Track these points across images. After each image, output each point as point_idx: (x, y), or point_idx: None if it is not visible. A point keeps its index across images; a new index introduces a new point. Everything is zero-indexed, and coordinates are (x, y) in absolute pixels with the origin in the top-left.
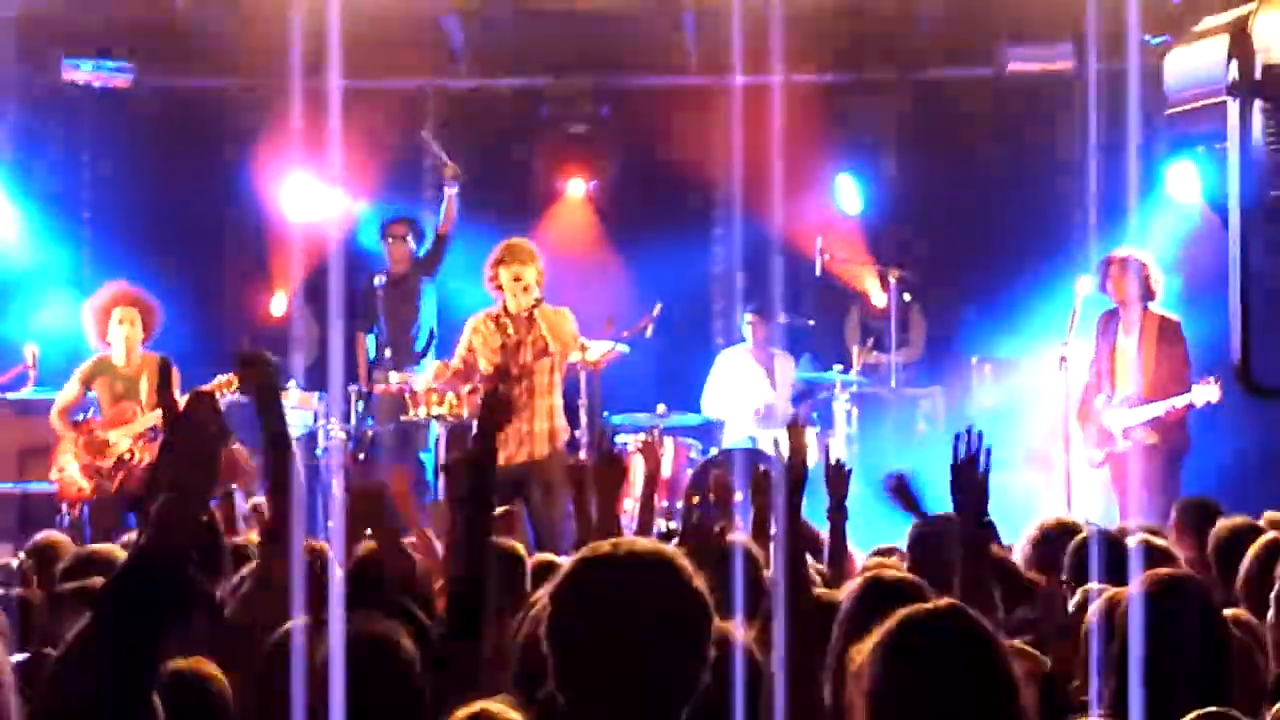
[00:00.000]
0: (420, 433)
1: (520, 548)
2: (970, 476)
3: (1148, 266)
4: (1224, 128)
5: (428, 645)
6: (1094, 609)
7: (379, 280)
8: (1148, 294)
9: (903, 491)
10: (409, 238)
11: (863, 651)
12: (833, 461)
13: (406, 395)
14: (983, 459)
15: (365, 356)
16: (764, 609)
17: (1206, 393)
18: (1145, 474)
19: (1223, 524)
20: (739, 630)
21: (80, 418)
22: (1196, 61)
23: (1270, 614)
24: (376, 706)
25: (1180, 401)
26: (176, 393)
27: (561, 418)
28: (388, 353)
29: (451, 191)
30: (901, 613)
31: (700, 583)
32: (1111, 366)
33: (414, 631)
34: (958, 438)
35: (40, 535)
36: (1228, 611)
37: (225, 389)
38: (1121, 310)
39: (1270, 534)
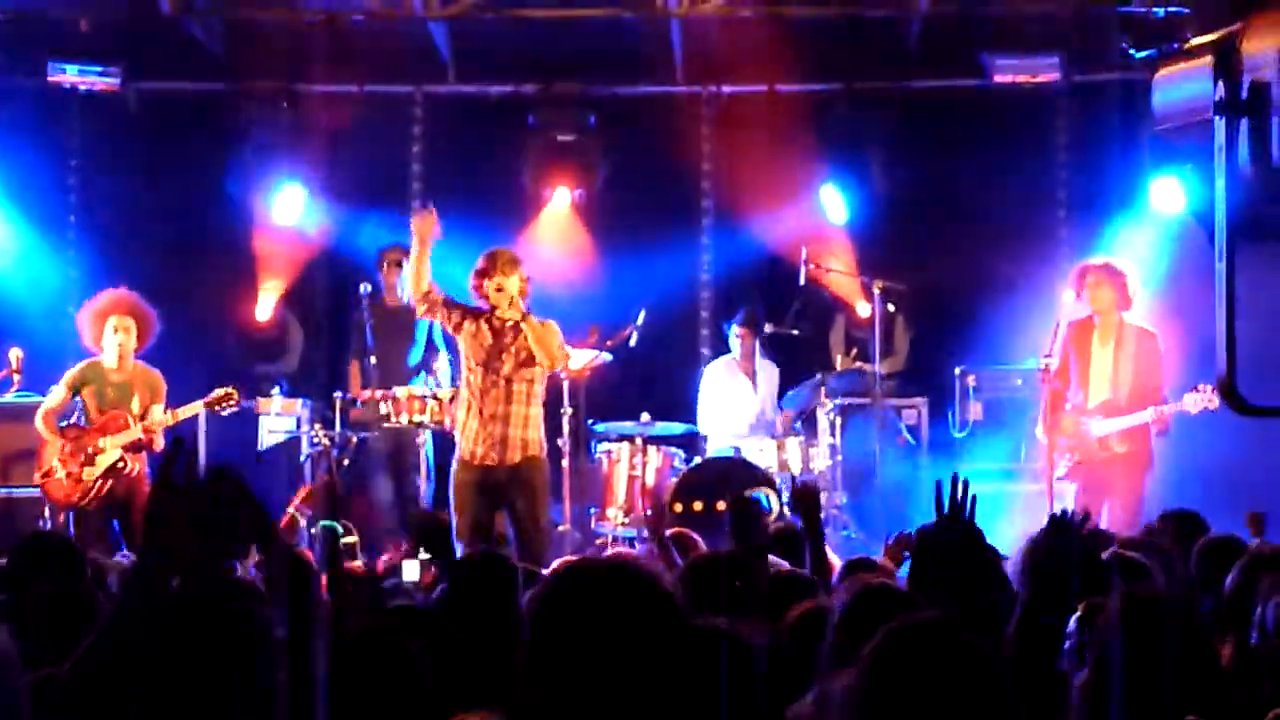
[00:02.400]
0: (404, 439)
1: (510, 557)
2: (957, 529)
3: (1125, 276)
4: (1210, 145)
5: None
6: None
7: (366, 304)
8: (1124, 303)
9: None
10: (403, 264)
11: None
12: (798, 485)
13: (389, 403)
14: (969, 508)
15: (357, 384)
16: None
17: (1202, 400)
18: (1116, 485)
19: (1208, 537)
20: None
21: (66, 423)
22: (1184, 80)
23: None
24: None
25: (1169, 409)
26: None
27: (539, 429)
28: (375, 374)
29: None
30: (890, 625)
31: (671, 586)
32: (1085, 375)
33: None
34: (940, 486)
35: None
36: None
37: (224, 403)
38: (1096, 319)
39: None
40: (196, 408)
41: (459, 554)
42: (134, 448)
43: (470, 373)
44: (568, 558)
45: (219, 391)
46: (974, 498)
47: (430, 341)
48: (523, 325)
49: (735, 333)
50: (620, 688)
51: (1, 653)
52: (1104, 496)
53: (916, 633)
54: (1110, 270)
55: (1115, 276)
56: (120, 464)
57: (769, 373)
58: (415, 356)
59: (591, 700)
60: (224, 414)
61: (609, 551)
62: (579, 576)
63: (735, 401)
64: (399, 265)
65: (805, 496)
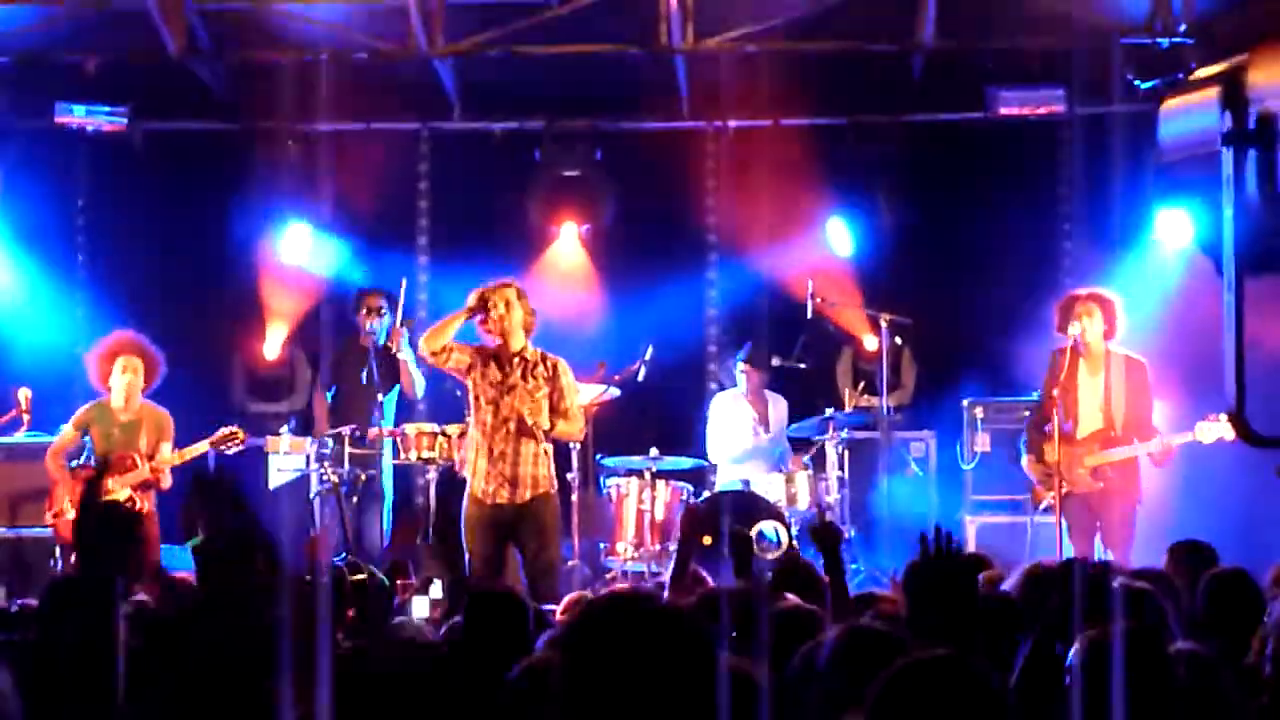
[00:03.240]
0: (412, 477)
1: (522, 595)
2: (938, 577)
3: (1114, 305)
4: (1217, 176)
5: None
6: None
7: (341, 342)
8: (1111, 333)
9: (827, 539)
10: (382, 311)
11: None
12: (819, 522)
13: (398, 440)
14: (952, 558)
15: (323, 416)
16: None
17: (1216, 429)
18: (1108, 516)
19: (1215, 570)
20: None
21: (76, 463)
22: (1190, 111)
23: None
24: None
25: (1178, 440)
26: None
27: (549, 465)
28: (344, 406)
29: (405, 358)
30: (899, 662)
31: (705, 630)
32: (1073, 405)
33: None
34: (924, 539)
35: None
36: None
37: (229, 442)
38: (1081, 348)
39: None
40: (203, 447)
41: (468, 587)
42: (143, 487)
43: (480, 411)
44: (579, 593)
45: (224, 430)
46: (958, 543)
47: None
48: (528, 359)
49: (740, 369)
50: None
51: None
52: (1094, 528)
53: (923, 669)
54: (1100, 299)
55: (1105, 305)
56: (129, 503)
57: (778, 406)
58: (393, 395)
59: None
60: (230, 453)
61: (617, 586)
62: (608, 613)
63: (743, 434)
64: (378, 313)
65: (826, 534)
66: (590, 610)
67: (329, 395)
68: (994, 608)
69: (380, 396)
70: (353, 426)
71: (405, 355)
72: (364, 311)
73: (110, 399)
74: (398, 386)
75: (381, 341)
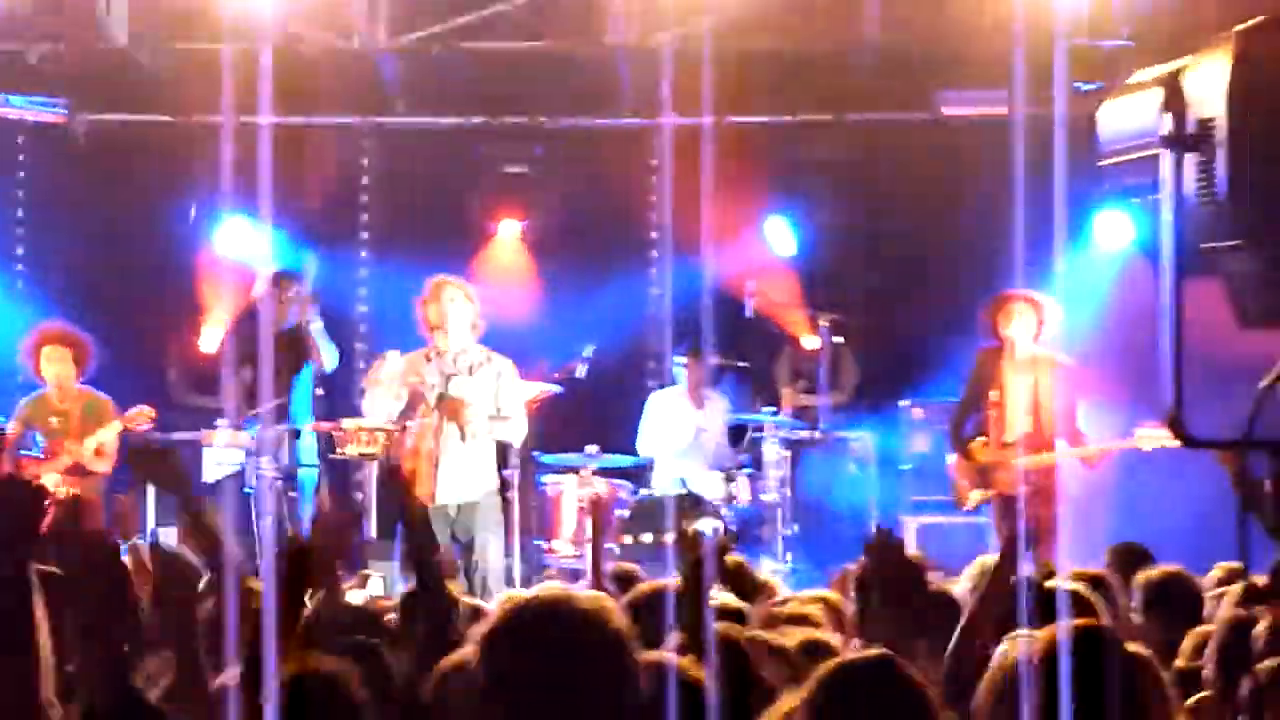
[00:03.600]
0: (350, 470)
1: (456, 590)
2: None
3: (1042, 307)
4: (1156, 179)
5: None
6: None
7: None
8: (1040, 334)
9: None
10: (293, 292)
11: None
12: (687, 531)
13: (335, 434)
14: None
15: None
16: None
17: (1158, 436)
18: (1037, 518)
19: (1152, 570)
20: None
21: (21, 453)
22: (1130, 114)
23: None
24: None
25: (1119, 446)
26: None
27: (491, 464)
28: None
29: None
30: (831, 663)
31: (623, 622)
32: (1000, 405)
33: (369, 672)
34: (867, 544)
35: None
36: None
37: (138, 421)
38: (1008, 349)
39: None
40: (115, 427)
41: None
42: (71, 472)
43: (424, 415)
44: (513, 592)
45: (133, 410)
46: (900, 541)
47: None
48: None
49: (680, 362)
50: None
51: None
52: (1025, 528)
53: (855, 671)
54: (1029, 299)
55: (1035, 306)
56: (54, 488)
57: (718, 404)
58: (304, 377)
59: None
60: (140, 430)
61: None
62: (528, 612)
63: (681, 432)
64: (288, 297)
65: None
66: (512, 610)
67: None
68: (940, 607)
69: (293, 377)
70: (288, 424)
71: (316, 325)
72: (282, 294)
73: (47, 390)
74: (309, 365)
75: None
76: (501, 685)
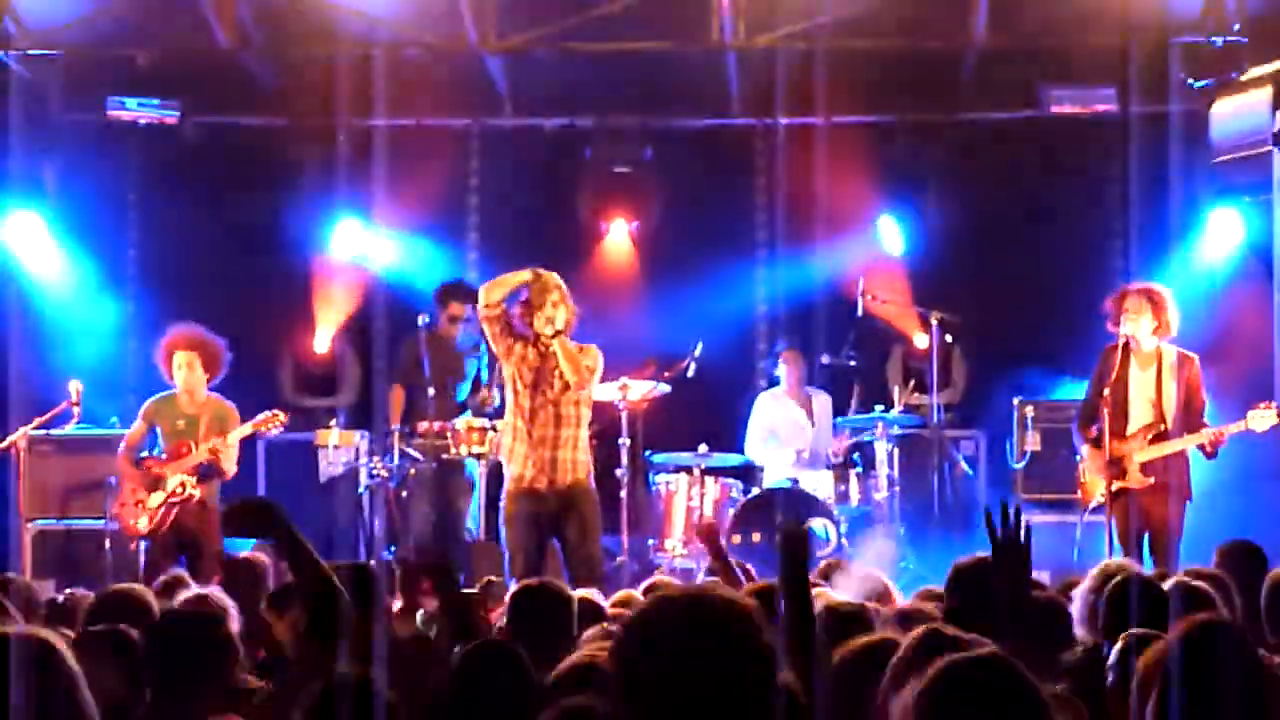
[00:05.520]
0: (460, 471)
1: (566, 589)
2: (1013, 558)
3: (1165, 299)
4: (1269, 177)
5: None
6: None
7: (424, 337)
8: (1163, 328)
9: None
10: (467, 306)
11: (904, 700)
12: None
13: (449, 434)
14: (1022, 536)
15: (399, 411)
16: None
17: (1269, 417)
18: (1157, 514)
19: (1276, 572)
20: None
21: (143, 455)
22: (1241, 111)
23: None
24: None
25: (1233, 428)
26: None
27: (587, 452)
28: (431, 406)
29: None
30: (944, 661)
31: (770, 637)
32: (1123, 401)
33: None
34: (990, 515)
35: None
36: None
37: (271, 424)
38: (1133, 343)
39: None
40: (246, 430)
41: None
42: (201, 475)
43: (518, 395)
44: (628, 591)
45: (265, 414)
46: (1028, 525)
47: (477, 378)
48: (553, 344)
49: (782, 359)
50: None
51: None
52: (1143, 526)
53: (968, 668)
54: (1150, 294)
55: (1155, 299)
56: (179, 489)
57: (822, 402)
58: (464, 392)
59: None
60: (272, 434)
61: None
62: (674, 608)
63: (787, 431)
64: (466, 321)
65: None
66: (653, 608)
67: (418, 393)
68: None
69: (466, 395)
70: (399, 425)
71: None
72: (447, 312)
73: (177, 392)
74: (467, 383)
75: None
76: (640, 687)
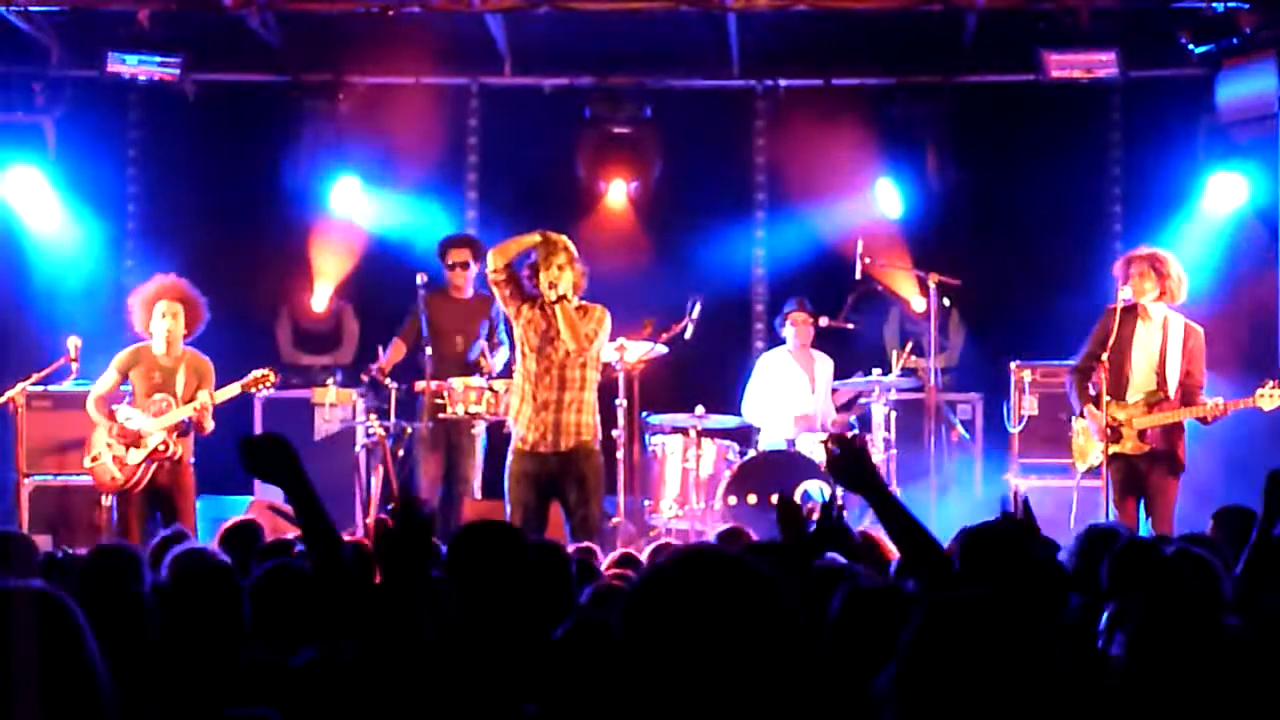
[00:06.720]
0: (458, 430)
1: (560, 544)
2: (1023, 545)
3: (1170, 266)
4: (1273, 141)
5: None
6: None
7: (423, 295)
8: (1168, 295)
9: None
10: (471, 260)
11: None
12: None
13: (445, 393)
14: (1030, 522)
15: (394, 359)
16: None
17: (1275, 397)
18: (1152, 482)
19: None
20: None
21: (116, 407)
22: (1248, 75)
23: None
24: None
25: (1234, 405)
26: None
27: (593, 414)
28: (430, 364)
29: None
30: (934, 599)
31: (782, 599)
32: (1125, 364)
33: None
34: (1005, 502)
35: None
36: None
37: (261, 384)
38: (1140, 309)
39: None
40: (235, 389)
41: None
42: (180, 431)
43: (525, 358)
44: (625, 549)
45: (256, 373)
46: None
47: (494, 335)
48: (556, 307)
49: (792, 319)
50: (724, 678)
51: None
52: (1137, 492)
53: (960, 607)
54: (1155, 260)
55: (1159, 266)
56: (162, 446)
57: (824, 365)
58: (469, 350)
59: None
60: (261, 394)
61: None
62: (693, 565)
63: (790, 393)
64: (465, 267)
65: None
66: (670, 564)
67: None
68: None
69: (472, 353)
70: (397, 384)
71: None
72: (451, 264)
73: (152, 344)
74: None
75: (470, 293)
76: (646, 642)
